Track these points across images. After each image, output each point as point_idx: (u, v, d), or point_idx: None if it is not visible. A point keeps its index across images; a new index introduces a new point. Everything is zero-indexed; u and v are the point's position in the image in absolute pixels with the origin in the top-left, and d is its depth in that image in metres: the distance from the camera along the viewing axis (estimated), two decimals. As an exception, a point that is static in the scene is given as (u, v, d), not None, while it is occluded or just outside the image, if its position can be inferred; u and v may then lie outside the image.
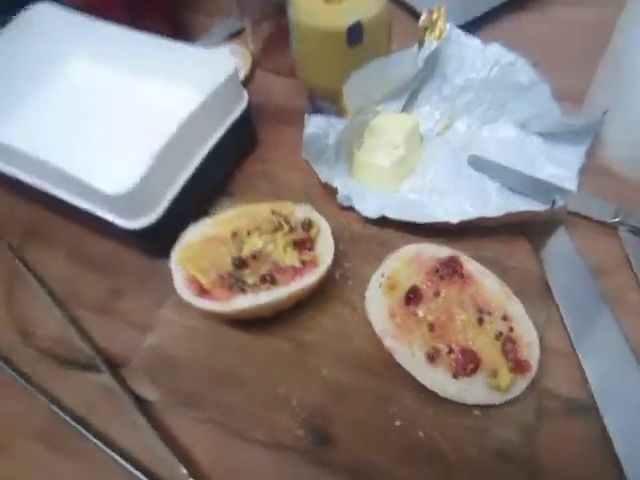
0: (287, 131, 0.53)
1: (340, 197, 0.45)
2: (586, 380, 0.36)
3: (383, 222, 0.45)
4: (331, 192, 0.46)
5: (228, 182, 0.50)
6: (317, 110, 0.53)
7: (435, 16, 0.45)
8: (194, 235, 0.40)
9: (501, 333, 0.35)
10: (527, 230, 0.43)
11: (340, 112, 0.45)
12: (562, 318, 0.38)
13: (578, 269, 0.40)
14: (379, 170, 0.45)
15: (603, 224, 0.43)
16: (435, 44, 0.45)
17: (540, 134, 0.47)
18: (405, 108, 0.48)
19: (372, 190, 0.46)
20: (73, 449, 0.37)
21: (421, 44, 0.46)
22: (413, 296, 0.36)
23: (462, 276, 0.37)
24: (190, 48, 0.47)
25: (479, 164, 0.47)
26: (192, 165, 0.44)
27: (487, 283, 0.37)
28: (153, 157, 0.40)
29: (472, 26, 0.56)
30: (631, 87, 0.41)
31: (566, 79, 0.47)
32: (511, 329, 0.35)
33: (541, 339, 0.35)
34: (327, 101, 0.52)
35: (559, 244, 0.42)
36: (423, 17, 0.46)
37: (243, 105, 0.48)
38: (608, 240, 0.42)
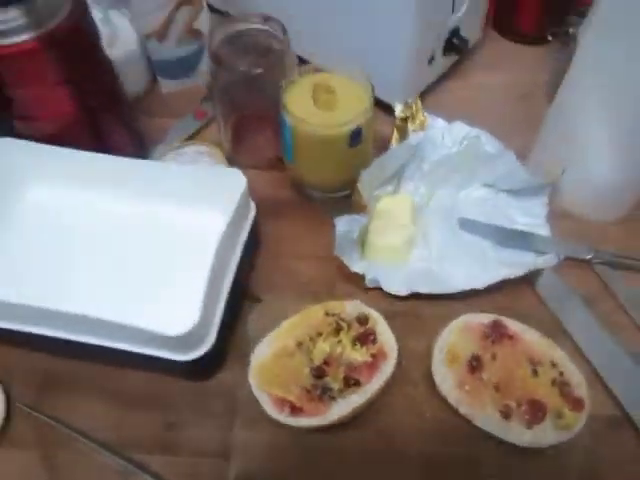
0: (282, 224, 0.55)
1: (368, 281, 0.49)
2: (615, 396, 0.44)
3: (406, 296, 0.49)
4: (350, 275, 0.50)
5: (249, 287, 0.51)
6: (307, 198, 0.56)
7: (414, 108, 0.51)
8: (264, 355, 0.41)
9: (555, 379, 0.41)
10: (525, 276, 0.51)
11: (355, 207, 0.49)
12: (579, 348, 0.46)
13: (578, 304, 0.49)
14: (393, 250, 0.50)
15: (577, 260, 0.52)
16: (422, 133, 0.51)
17: (506, 191, 0.55)
18: (395, 188, 0.54)
19: (387, 267, 0.51)
20: None
21: (401, 132, 0.52)
22: (476, 363, 0.42)
23: (510, 337, 0.43)
24: (199, 170, 0.48)
25: (469, 226, 0.54)
26: (228, 283, 0.45)
27: (530, 337, 0.43)
28: (204, 287, 0.40)
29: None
30: (579, 142, 0.50)
31: (505, 137, 0.55)
32: (561, 373, 0.41)
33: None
34: (318, 191, 0.55)
35: (553, 284, 0.50)
36: (399, 109, 0.52)
37: (253, 212, 0.49)
38: (584, 274, 0.51)
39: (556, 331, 0.47)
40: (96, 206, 0.50)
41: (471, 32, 0.64)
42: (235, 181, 0.46)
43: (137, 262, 0.46)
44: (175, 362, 0.42)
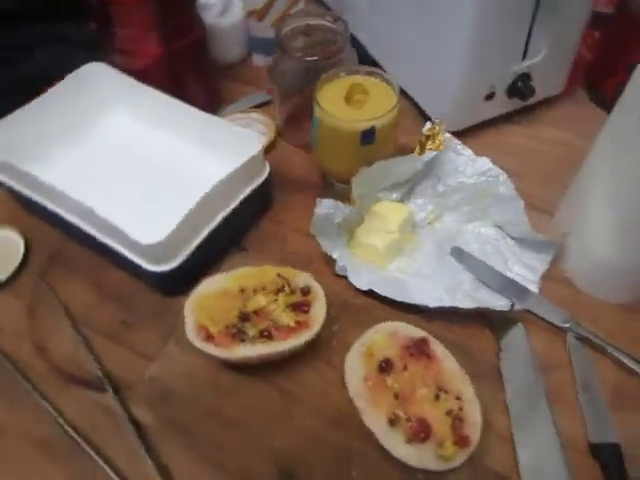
0: (300, 199, 0.60)
1: (337, 267, 0.52)
2: (517, 463, 0.42)
3: (371, 294, 0.51)
4: (330, 261, 0.53)
5: (244, 238, 0.57)
6: (329, 186, 0.61)
7: (437, 129, 0.53)
8: (209, 288, 0.46)
9: (452, 410, 0.41)
10: (491, 321, 0.50)
11: (348, 199, 0.52)
12: (507, 405, 0.45)
13: (528, 363, 0.47)
14: (373, 250, 0.53)
15: (554, 326, 0.50)
16: (434, 153, 0.53)
17: (513, 237, 0.55)
18: (403, 198, 0.56)
19: (365, 264, 0.53)
20: (70, 460, 0.43)
21: (422, 148, 0.55)
22: (386, 366, 0.43)
23: (429, 356, 0.43)
24: (227, 124, 0.55)
25: (460, 256, 0.54)
26: (214, 223, 0.51)
27: (449, 366, 0.43)
28: (184, 215, 0.47)
29: (467, 129, 0.64)
30: (587, 215, 0.49)
31: (539, 191, 0.57)
32: (461, 408, 0.41)
33: (487, 420, 0.42)
34: (338, 181, 0.60)
35: (515, 338, 0.49)
36: (427, 127, 0.54)
37: (263, 176, 0.55)
38: (557, 340, 0.49)
39: (490, 378, 0.46)
40: (146, 136, 0.60)
41: (546, 84, 0.64)
42: (253, 143, 0.52)
43: (151, 184, 0.55)
44: (146, 270, 0.49)
